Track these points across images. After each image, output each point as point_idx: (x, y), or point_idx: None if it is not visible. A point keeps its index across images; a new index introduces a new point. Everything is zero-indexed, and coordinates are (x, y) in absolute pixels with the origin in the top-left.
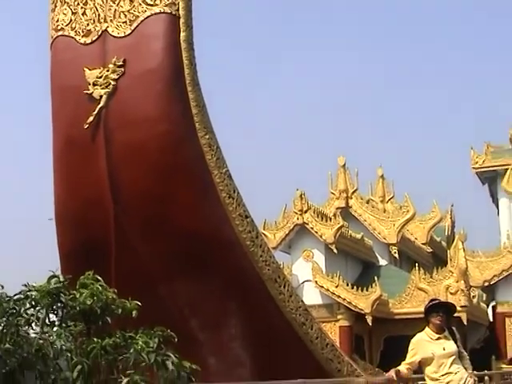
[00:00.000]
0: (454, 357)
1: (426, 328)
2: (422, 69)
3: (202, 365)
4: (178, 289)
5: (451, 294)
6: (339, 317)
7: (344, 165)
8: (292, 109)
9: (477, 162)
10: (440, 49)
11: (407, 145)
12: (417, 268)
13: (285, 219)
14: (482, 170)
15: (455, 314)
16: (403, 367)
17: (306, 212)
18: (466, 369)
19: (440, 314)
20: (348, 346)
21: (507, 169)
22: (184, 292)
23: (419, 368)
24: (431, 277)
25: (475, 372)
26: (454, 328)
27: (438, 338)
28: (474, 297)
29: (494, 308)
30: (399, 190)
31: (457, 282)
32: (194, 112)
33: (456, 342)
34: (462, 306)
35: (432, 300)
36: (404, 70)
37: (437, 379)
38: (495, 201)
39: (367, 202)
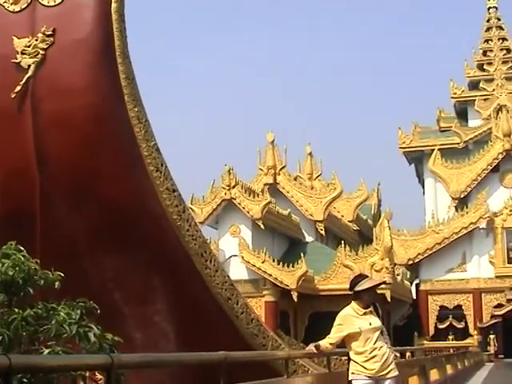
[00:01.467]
0: (378, 332)
1: (353, 303)
2: (351, 48)
3: (127, 338)
4: (104, 262)
5: (376, 271)
6: (265, 292)
7: (273, 141)
8: (222, 83)
9: (404, 142)
10: (368, 30)
11: (336, 123)
12: (342, 245)
13: (212, 194)
14: (409, 150)
15: (379, 291)
16: (327, 341)
17: (233, 187)
18: (385, 343)
19: (372, 292)
20: (273, 322)
21: (434, 149)
22: (109, 265)
23: (342, 343)
24: (356, 254)
25: (398, 348)
26: (377, 304)
27: (365, 314)
28: (398, 274)
29: (417, 286)
30: (327, 168)
31: (382, 259)
32: (123, 84)
33: (379, 317)
34: (386, 283)
35: (361, 276)
36: (332, 47)
37: (362, 353)
38: (421, 181)
39: (295, 179)
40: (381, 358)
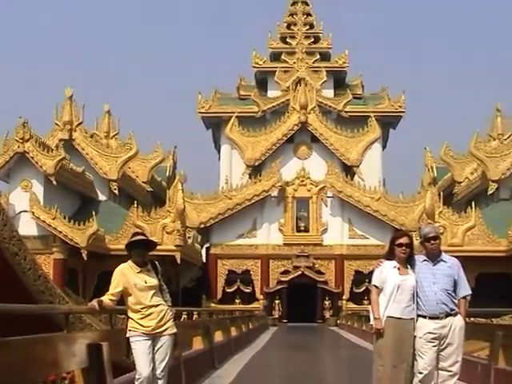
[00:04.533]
0: (154, 290)
1: (129, 261)
2: (158, 8)
3: None
4: None
5: (167, 233)
6: (54, 249)
7: (71, 97)
8: (24, 35)
9: (203, 107)
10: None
11: (138, 84)
12: (135, 206)
13: (5, 147)
14: (208, 115)
15: (170, 253)
16: (107, 297)
17: (27, 141)
18: (165, 301)
19: (140, 249)
20: (61, 279)
21: (232, 116)
22: None
23: (122, 299)
24: (149, 215)
25: (184, 309)
26: (156, 262)
27: (140, 271)
28: (189, 237)
29: (207, 249)
30: (125, 128)
31: (173, 222)
32: None
33: (157, 276)
34: (176, 246)
35: (135, 234)
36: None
37: (138, 311)
38: (218, 146)
39: (91, 137)
40: (157, 316)
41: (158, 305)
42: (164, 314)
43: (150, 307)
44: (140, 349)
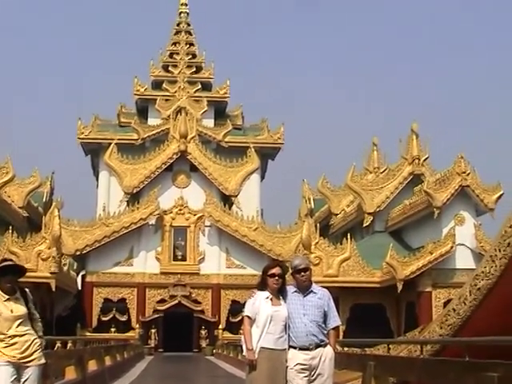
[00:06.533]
0: (22, 319)
1: None
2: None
3: None
4: None
5: (42, 259)
6: None
7: None
8: None
9: (82, 133)
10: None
11: (14, 105)
12: (10, 231)
13: None
14: (87, 141)
15: (45, 280)
16: None
17: None
18: (36, 331)
19: (9, 276)
20: None
21: (111, 143)
22: None
23: None
24: (24, 241)
25: (60, 337)
26: (27, 290)
27: (8, 299)
28: (64, 264)
29: (83, 277)
30: (2, 151)
31: (49, 248)
32: None
33: (27, 304)
34: (51, 273)
35: (2, 260)
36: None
37: (2, 340)
38: (96, 173)
39: None
40: (21, 346)
41: (24, 334)
42: (30, 344)
43: (13, 337)
44: (2, 376)
